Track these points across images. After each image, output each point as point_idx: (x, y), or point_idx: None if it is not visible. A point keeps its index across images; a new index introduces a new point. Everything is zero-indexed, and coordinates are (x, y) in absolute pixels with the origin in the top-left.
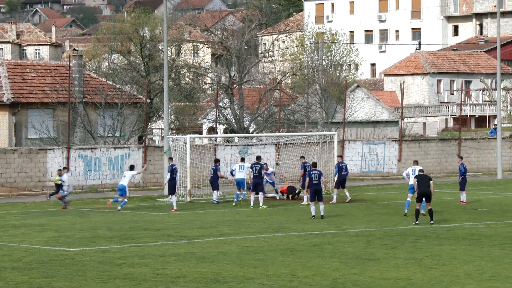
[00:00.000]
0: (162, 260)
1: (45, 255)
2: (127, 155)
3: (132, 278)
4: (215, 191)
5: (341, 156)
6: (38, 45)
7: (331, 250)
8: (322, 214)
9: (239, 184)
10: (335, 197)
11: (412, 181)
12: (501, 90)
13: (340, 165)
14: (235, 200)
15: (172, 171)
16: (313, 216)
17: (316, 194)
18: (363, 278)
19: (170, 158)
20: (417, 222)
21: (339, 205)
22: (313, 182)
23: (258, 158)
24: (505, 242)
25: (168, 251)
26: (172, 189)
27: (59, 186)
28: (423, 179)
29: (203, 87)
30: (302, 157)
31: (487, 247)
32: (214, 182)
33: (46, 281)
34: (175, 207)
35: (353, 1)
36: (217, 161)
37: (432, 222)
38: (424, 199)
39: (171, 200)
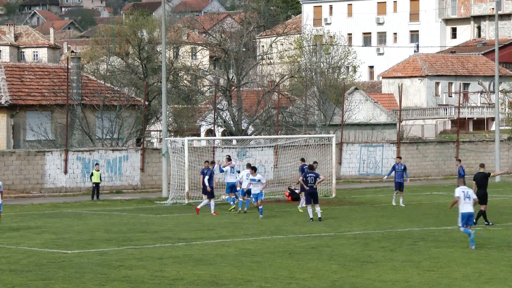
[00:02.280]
0: (160, 263)
1: (43, 258)
2: (125, 158)
3: (130, 280)
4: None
5: (400, 158)
6: (36, 47)
7: (329, 253)
8: (319, 216)
9: (232, 188)
10: (401, 200)
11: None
12: (499, 92)
13: (396, 167)
14: (240, 206)
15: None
16: (311, 218)
17: (312, 197)
18: (361, 280)
19: (212, 163)
20: (487, 223)
21: (337, 207)
22: (309, 184)
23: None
24: (503, 245)
25: (166, 253)
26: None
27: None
28: (481, 181)
29: (201, 89)
30: (302, 159)
31: (484, 249)
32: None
33: (44, 283)
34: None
35: (351, 4)
36: (207, 162)
37: (487, 223)
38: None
39: (209, 204)
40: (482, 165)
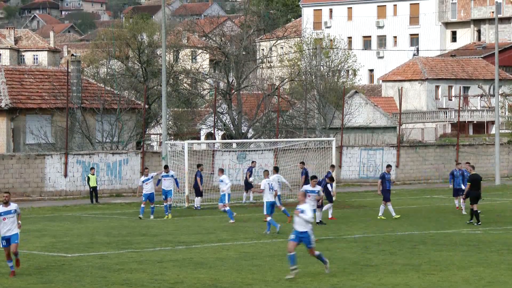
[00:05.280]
0: (160, 266)
1: (43, 261)
2: (125, 161)
3: (130, 283)
4: (197, 198)
5: (458, 163)
6: (36, 50)
7: (329, 256)
8: (317, 221)
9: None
10: (463, 207)
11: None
12: (499, 96)
13: (454, 173)
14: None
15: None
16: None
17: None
18: (361, 284)
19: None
20: (471, 221)
21: (337, 210)
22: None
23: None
24: (503, 248)
25: (166, 257)
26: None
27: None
28: (476, 182)
29: (201, 92)
30: (302, 162)
31: (484, 253)
32: (198, 188)
33: (44, 286)
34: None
35: (351, 7)
36: (199, 166)
37: (476, 222)
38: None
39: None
40: (471, 166)
